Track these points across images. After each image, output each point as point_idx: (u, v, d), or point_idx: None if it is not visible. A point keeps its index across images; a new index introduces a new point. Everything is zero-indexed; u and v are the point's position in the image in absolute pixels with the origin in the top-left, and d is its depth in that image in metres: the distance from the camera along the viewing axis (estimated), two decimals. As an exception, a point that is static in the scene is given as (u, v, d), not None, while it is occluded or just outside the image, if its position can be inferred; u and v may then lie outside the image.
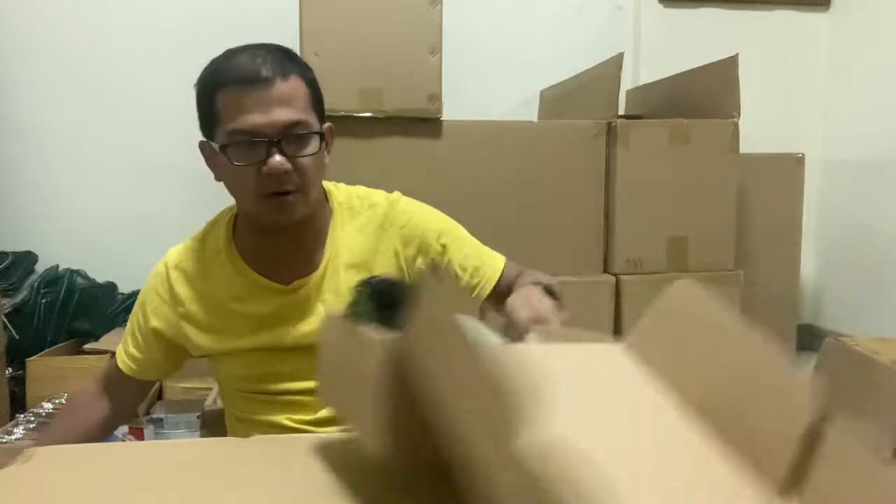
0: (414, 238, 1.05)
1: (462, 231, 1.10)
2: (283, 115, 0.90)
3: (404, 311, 0.65)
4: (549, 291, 0.92)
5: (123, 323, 2.41)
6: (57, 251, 2.55)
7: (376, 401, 0.53)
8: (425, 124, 2.06)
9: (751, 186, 2.50)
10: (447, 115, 2.07)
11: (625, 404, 0.52)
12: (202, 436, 1.34)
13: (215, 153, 0.95)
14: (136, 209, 2.64)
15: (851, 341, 2.24)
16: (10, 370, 2.15)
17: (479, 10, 2.80)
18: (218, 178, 0.98)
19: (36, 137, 2.60)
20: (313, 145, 0.94)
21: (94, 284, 2.50)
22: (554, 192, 2.21)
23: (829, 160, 3.04)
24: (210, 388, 1.93)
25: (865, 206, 2.86)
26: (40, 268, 2.52)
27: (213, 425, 1.20)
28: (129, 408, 1.18)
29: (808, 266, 3.05)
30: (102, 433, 1.12)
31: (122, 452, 0.72)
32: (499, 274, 1.07)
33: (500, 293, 1.03)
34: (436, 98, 2.01)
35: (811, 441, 0.42)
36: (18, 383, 2.14)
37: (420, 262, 1.05)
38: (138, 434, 1.85)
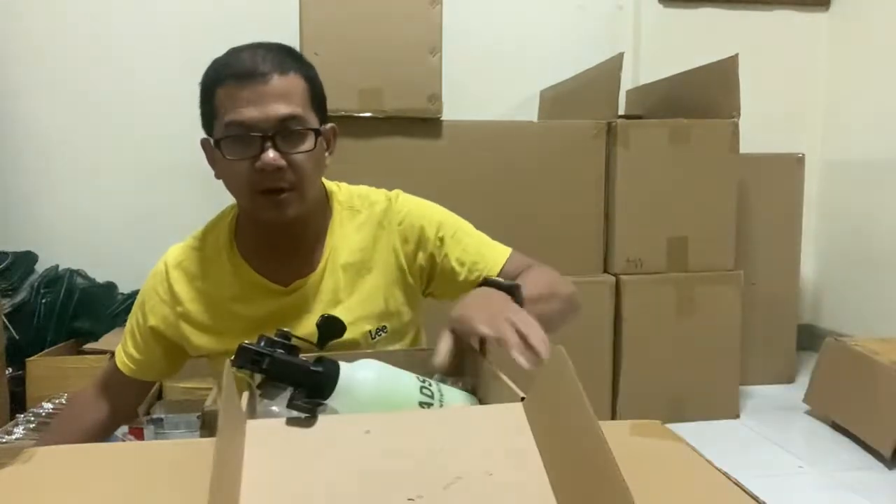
0: (412, 233, 1.04)
1: (463, 224, 1.08)
2: (277, 109, 0.89)
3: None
4: (511, 293, 0.87)
5: (123, 323, 2.40)
6: (57, 251, 2.55)
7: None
8: (425, 124, 2.06)
9: (751, 186, 2.50)
10: (447, 115, 2.07)
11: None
12: (202, 436, 1.34)
13: (213, 152, 0.95)
14: (136, 209, 2.64)
15: (851, 341, 2.24)
16: (10, 370, 2.14)
17: (479, 10, 2.80)
18: (217, 176, 0.98)
19: (36, 138, 2.60)
20: (309, 142, 0.93)
21: (94, 284, 2.50)
22: (554, 193, 2.21)
23: (829, 160, 3.04)
24: (210, 388, 1.93)
25: (865, 206, 2.86)
26: (40, 268, 2.52)
27: (213, 425, 1.20)
28: (129, 409, 1.18)
29: (808, 266, 3.05)
30: (103, 435, 1.12)
31: (122, 452, 0.72)
32: (498, 268, 1.03)
33: None
34: (436, 98, 2.01)
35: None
36: (18, 383, 2.14)
37: (420, 257, 1.04)
38: (138, 434, 1.84)
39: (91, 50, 2.60)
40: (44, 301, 2.38)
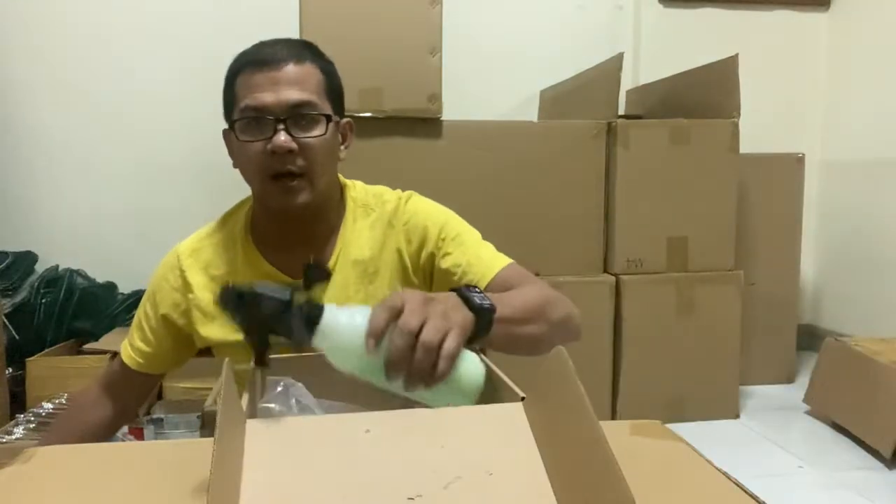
0: (416, 233, 1.04)
1: (468, 229, 1.06)
2: (291, 94, 0.92)
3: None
4: (478, 313, 0.74)
5: (123, 323, 2.43)
6: (57, 251, 2.55)
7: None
8: (425, 124, 2.06)
9: (751, 186, 2.50)
10: (447, 115, 2.07)
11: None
12: (202, 436, 1.34)
13: (231, 138, 0.97)
14: (136, 209, 2.64)
15: (851, 341, 2.24)
16: (10, 370, 2.14)
17: (479, 10, 2.80)
18: (234, 165, 1.00)
19: (36, 138, 2.60)
20: (320, 128, 0.95)
21: (94, 284, 2.50)
22: (554, 193, 2.21)
23: (829, 160, 3.04)
24: (210, 388, 1.93)
25: (865, 206, 2.86)
26: (40, 268, 2.52)
27: (213, 425, 1.20)
28: (131, 408, 1.18)
29: (808, 266, 3.05)
30: (105, 434, 1.12)
31: (122, 452, 0.72)
32: (491, 275, 0.98)
33: None
34: (436, 98, 2.01)
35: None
36: (18, 383, 2.14)
37: (423, 256, 1.04)
38: (138, 434, 1.84)
39: (91, 50, 2.60)
40: (44, 301, 2.38)
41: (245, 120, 0.93)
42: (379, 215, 1.05)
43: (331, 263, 1.01)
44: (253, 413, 0.68)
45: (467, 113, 2.23)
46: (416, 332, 0.63)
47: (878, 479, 1.86)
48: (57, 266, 2.51)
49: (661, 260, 2.25)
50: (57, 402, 1.93)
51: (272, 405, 0.70)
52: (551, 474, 0.53)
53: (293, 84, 0.93)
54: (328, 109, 0.97)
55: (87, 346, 2.26)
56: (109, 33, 2.60)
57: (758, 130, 2.55)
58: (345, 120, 1.02)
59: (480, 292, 0.78)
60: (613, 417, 2.19)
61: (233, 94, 0.96)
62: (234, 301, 0.68)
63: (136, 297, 2.47)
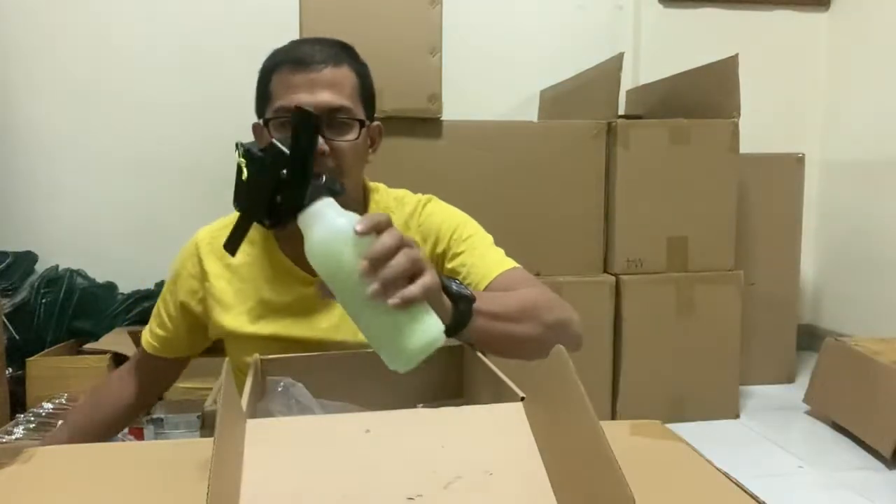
0: (430, 232, 1.06)
1: (481, 233, 1.07)
2: (328, 97, 0.93)
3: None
4: (446, 289, 0.79)
5: (123, 323, 2.43)
6: (57, 251, 2.55)
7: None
8: (425, 124, 2.06)
9: (751, 186, 2.50)
10: (447, 115, 2.07)
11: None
12: (202, 436, 1.34)
13: (262, 133, 0.97)
14: (136, 209, 2.64)
15: (851, 341, 2.24)
16: (10, 370, 2.14)
17: (479, 10, 2.80)
18: None
19: (36, 138, 2.60)
20: (353, 132, 0.96)
21: (94, 284, 2.49)
22: (554, 193, 2.21)
23: (829, 160, 3.04)
24: (210, 388, 1.93)
25: (865, 206, 2.86)
26: (40, 268, 2.52)
27: (213, 425, 1.20)
28: (151, 394, 1.19)
29: (808, 266, 3.05)
30: (125, 416, 1.14)
31: (122, 452, 0.72)
32: (492, 276, 0.99)
33: None
34: (436, 98, 2.01)
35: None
36: (18, 383, 2.14)
37: (435, 255, 1.05)
38: (138, 434, 1.84)
39: (92, 51, 2.60)
40: (44, 301, 2.38)
41: (280, 120, 0.94)
42: (398, 218, 1.06)
43: None
44: (253, 413, 0.68)
45: (467, 113, 2.23)
46: (403, 243, 0.68)
47: (878, 479, 1.86)
48: (57, 266, 2.51)
49: (661, 260, 2.25)
50: (57, 402, 1.94)
51: (272, 405, 0.70)
52: (551, 474, 0.53)
53: (329, 87, 0.94)
54: (361, 114, 0.98)
55: (87, 346, 2.26)
56: (110, 34, 2.60)
57: (758, 130, 2.55)
58: (375, 123, 1.04)
59: (461, 284, 0.82)
60: (613, 417, 2.20)
61: (268, 91, 0.97)
62: (257, 150, 0.74)
63: (136, 297, 2.47)
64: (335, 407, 0.73)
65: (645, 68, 2.85)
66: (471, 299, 0.82)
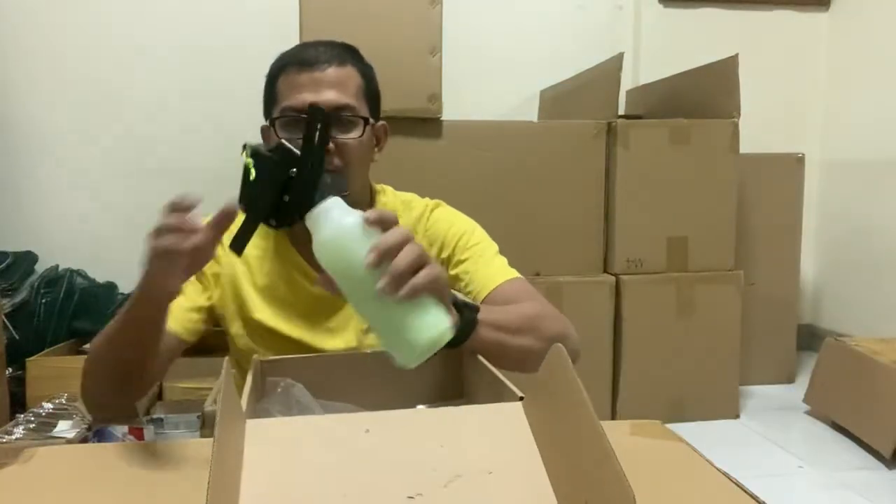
0: (437, 238, 1.06)
1: (486, 242, 1.07)
2: (332, 96, 0.95)
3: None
4: (459, 309, 0.80)
5: (123, 323, 2.43)
6: (57, 251, 2.55)
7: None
8: (425, 124, 2.06)
9: (751, 186, 2.50)
10: (447, 115, 2.07)
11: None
12: (202, 436, 1.34)
13: (270, 135, 0.98)
14: (136, 209, 2.63)
15: (851, 341, 2.24)
16: (10, 370, 2.14)
17: (479, 10, 2.80)
18: None
19: (36, 138, 2.60)
20: (358, 130, 0.98)
21: (94, 284, 2.49)
22: (554, 192, 2.21)
23: (829, 160, 3.04)
24: (210, 388, 1.92)
25: (865, 206, 2.86)
26: (40, 268, 2.52)
27: (213, 425, 1.20)
28: (162, 366, 1.10)
29: (808, 266, 3.05)
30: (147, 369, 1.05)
31: (121, 452, 0.72)
32: (493, 285, 1.00)
33: None
34: (436, 98, 2.01)
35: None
36: (18, 383, 2.14)
37: (440, 260, 1.04)
38: (138, 434, 1.84)
39: (91, 51, 2.59)
40: (44, 301, 2.37)
41: (285, 119, 0.95)
42: (405, 222, 1.05)
43: None
44: (253, 413, 0.68)
45: (467, 113, 2.23)
46: (409, 238, 0.69)
47: (878, 479, 1.86)
48: (57, 266, 2.50)
49: (661, 260, 2.25)
50: (57, 401, 1.93)
51: (272, 406, 0.70)
52: (551, 473, 0.53)
53: (334, 86, 0.96)
54: (366, 112, 1.00)
55: (87, 346, 2.26)
56: (109, 34, 2.60)
57: (758, 130, 2.55)
58: (380, 123, 1.05)
59: (465, 296, 0.85)
60: (613, 417, 2.19)
61: (274, 93, 0.98)
62: (266, 151, 0.76)
63: (136, 297, 2.47)
64: (335, 407, 0.73)
65: (645, 68, 2.85)
66: (475, 310, 0.83)
